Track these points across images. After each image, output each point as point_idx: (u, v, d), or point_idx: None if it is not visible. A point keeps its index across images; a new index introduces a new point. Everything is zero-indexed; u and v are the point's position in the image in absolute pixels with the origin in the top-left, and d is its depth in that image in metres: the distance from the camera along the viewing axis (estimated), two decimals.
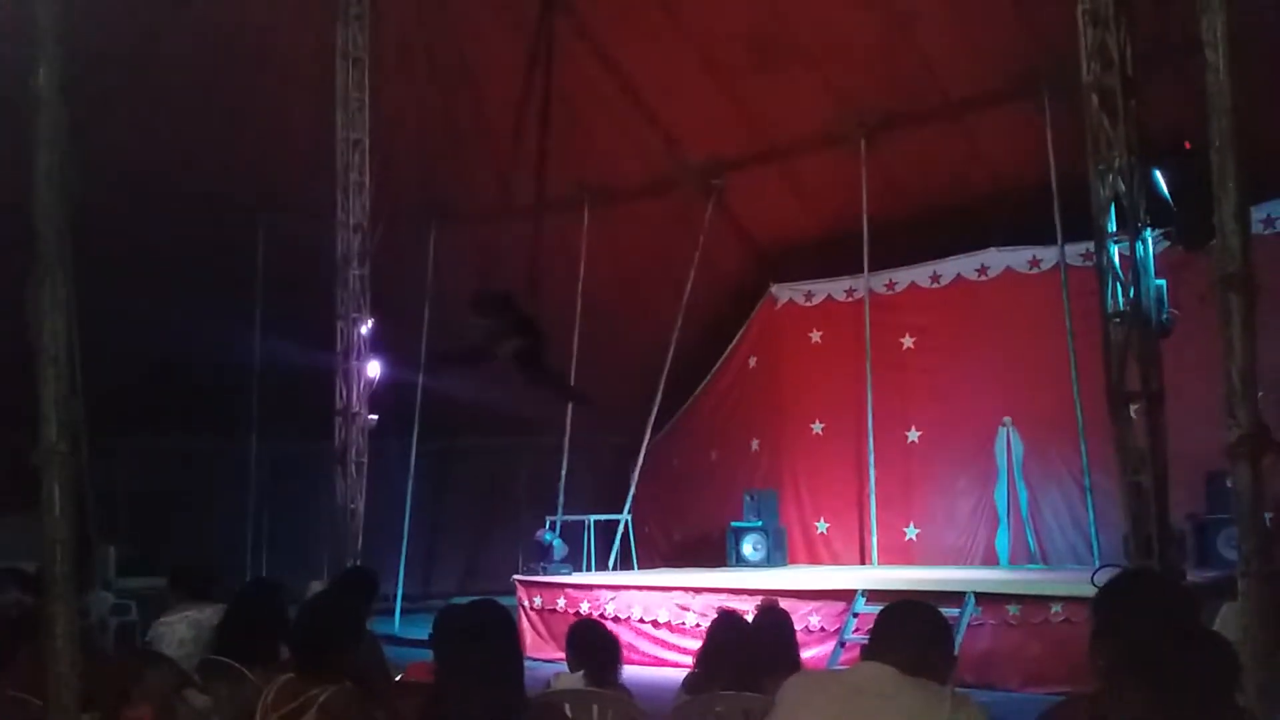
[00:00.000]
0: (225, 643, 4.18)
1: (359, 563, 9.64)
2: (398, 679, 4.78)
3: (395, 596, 13.08)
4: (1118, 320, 7.26)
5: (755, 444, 13.91)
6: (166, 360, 13.07)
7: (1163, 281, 7.52)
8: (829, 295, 13.65)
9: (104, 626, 9.52)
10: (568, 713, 3.82)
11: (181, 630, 5.13)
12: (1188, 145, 7.32)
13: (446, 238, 13.92)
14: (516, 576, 11.51)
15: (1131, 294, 7.22)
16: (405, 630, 11.66)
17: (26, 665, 3.85)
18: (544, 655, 9.44)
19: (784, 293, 13.99)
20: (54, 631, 2.75)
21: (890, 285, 13.13)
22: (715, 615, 4.61)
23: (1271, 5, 9.52)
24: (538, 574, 11.49)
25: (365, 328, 10.03)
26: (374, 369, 10.24)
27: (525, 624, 10.75)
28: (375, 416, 10.13)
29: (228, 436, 13.82)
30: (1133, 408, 7.20)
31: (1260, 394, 4.55)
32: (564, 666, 4.71)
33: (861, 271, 12.87)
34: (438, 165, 13.21)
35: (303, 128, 12.00)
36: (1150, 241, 7.48)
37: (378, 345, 10.95)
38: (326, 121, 11.16)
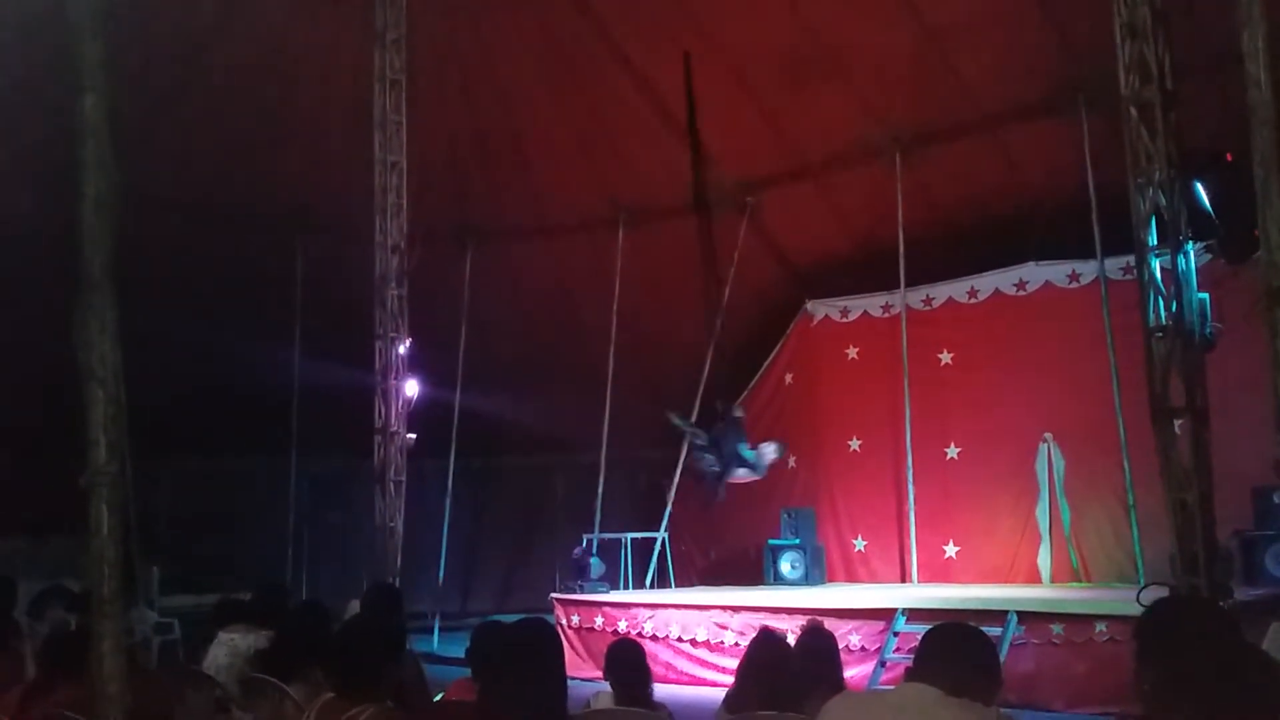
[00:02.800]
0: (270, 662, 4.22)
1: (398, 581, 9.68)
2: (438, 698, 4.79)
3: (433, 615, 13.12)
4: (1160, 334, 7.19)
5: (792, 461, 13.83)
6: (207, 382, 13.25)
7: (1205, 295, 7.43)
8: (865, 311, 13.58)
9: (147, 644, 9.64)
10: None
11: (223, 653, 5.18)
12: (1229, 157, 7.25)
13: (482, 257, 14.02)
14: (554, 595, 11.50)
15: (1174, 307, 7.14)
16: (443, 648, 11.68)
17: (73, 684, 3.91)
18: (582, 674, 9.40)
19: (820, 309, 13.93)
20: (101, 650, 2.78)
21: (927, 301, 13.04)
22: (755, 634, 4.58)
23: None
24: (575, 592, 11.48)
25: (403, 347, 10.11)
26: (412, 388, 10.32)
27: (564, 642, 10.73)
28: (413, 435, 10.19)
29: (268, 456, 13.96)
30: (1176, 423, 7.11)
31: None
32: (602, 685, 4.70)
33: (898, 287, 12.79)
34: (472, 185, 13.35)
35: (340, 150, 12.18)
36: (1192, 254, 7.40)
37: (415, 365, 11.03)
38: (363, 143, 11.31)
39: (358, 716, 3.24)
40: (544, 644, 2.91)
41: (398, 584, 9.12)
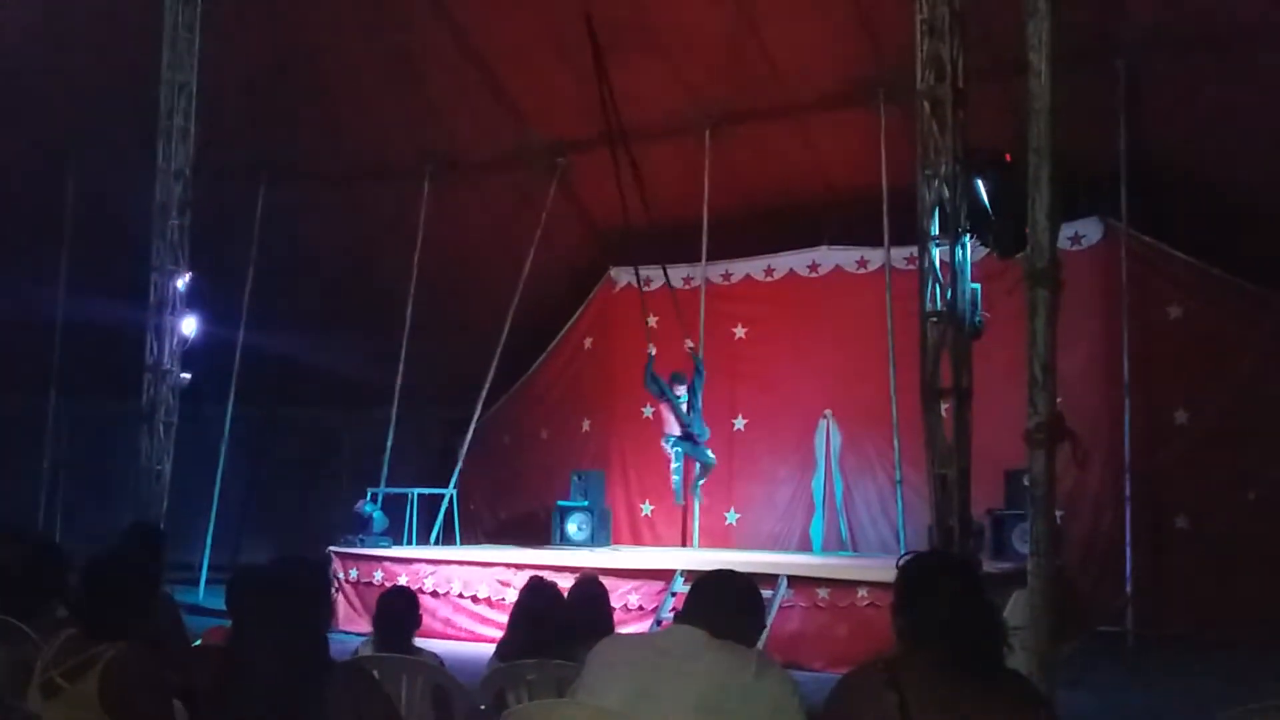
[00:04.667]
0: (1, 599, 3.91)
1: (163, 527, 9.16)
2: (196, 644, 4.56)
3: (201, 565, 12.54)
4: (935, 319, 7.59)
5: (586, 424, 13.95)
6: None
7: (978, 286, 7.91)
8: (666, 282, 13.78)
9: None
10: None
11: None
12: (1008, 158, 7.72)
13: (276, 195, 13.35)
14: (332, 548, 11.19)
15: (949, 295, 7.56)
16: (209, 601, 11.18)
17: None
18: (357, 629, 9.21)
19: (623, 276, 14.05)
20: None
21: (726, 276, 13.38)
22: (526, 583, 4.58)
23: (1095, 34, 10.17)
24: (355, 546, 11.20)
25: (182, 282, 9.50)
26: (189, 326, 9.72)
27: (340, 597, 10.48)
28: (188, 375, 9.62)
29: (24, 395, 12.94)
30: (943, 405, 7.55)
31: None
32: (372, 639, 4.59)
33: (699, 260, 13.07)
34: (271, 120, 12.65)
35: (122, 67, 11.27)
36: (968, 247, 7.86)
37: (197, 303, 10.40)
38: (150, 63, 10.51)
39: (102, 654, 3.03)
40: (302, 583, 2.77)
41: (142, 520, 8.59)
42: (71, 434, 13.36)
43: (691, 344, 11.82)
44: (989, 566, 8.86)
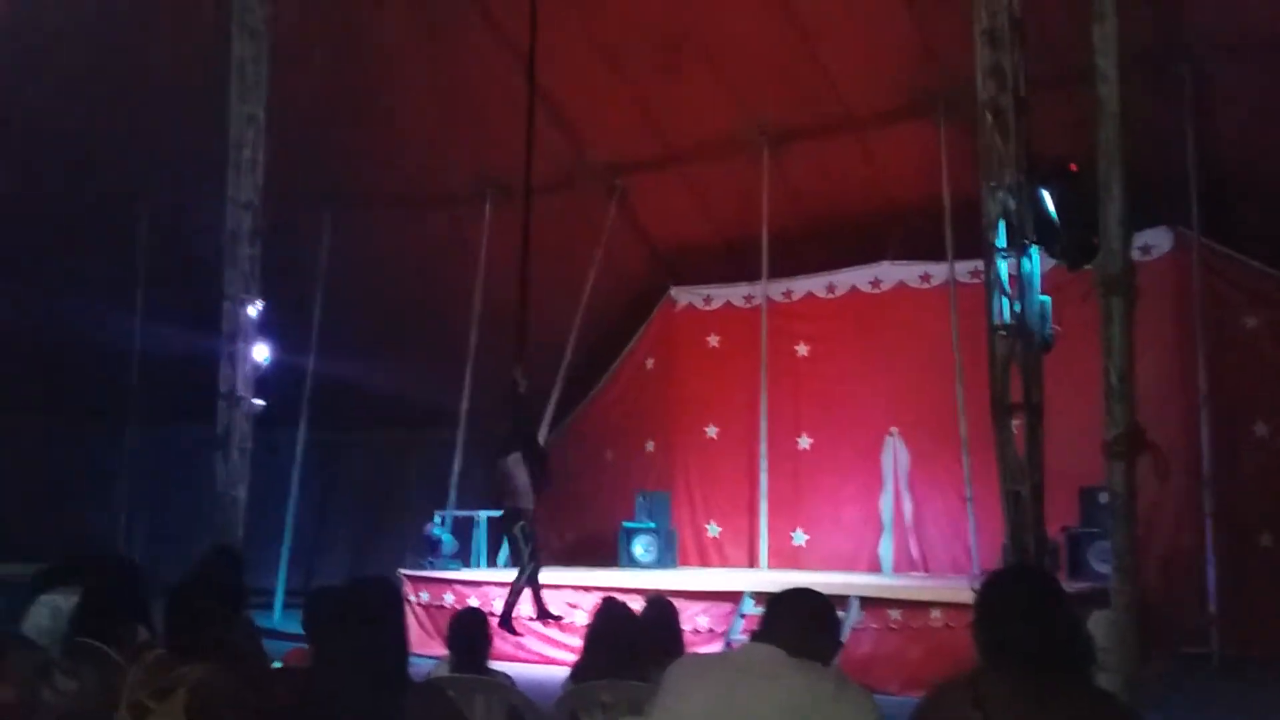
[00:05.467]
0: (85, 624, 4.00)
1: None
2: (276, 665, 4.63)
3: (276, 589, 12.72)
4: (1003, 333, 7.48)
5: (650, 445, 13.95)
6: (38, 345, 12.53)
7: (1047, 298, 7.78)
8: (728, 301, 13.81)
9: None
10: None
11: (45, 615, 4.89)
12: (1074, 167, 7.61)
13: (342, 222, 13.61)
14: (403, 570, 11.30)
15: (1017, 308, 7.45)
16: (285, 624, 11.34)
17: None
18: (429, 651, 9.27)
19: (683, 296, 14.08)
20: None
21: (787, 294, 13.33)
22: (599, 605, 4.59)
23: (1158, 40, 9.99)
24: (425, 569, 11.30)
25: (254, 310, 9.69)
26: (261, 353, 9.91)
27: (411, 619, 10.57)
28: (261, 402, 9.80)
29: (104, 421, 13.29)
30: (1014, 420, 7.42)
31: None
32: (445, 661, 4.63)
33: (760, 278, 13.04)
34: (336, 150, 12.91)
35: (194, 104, 11.58)
36: (1036, 258, 7.74)
37: (268, 331, 10.60)
38: (220, 98, 10.78)
39: (188, 675, 3.09)
40: (379, 601, 2.80)
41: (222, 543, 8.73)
42: (149, 461, 13.67)
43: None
44: (1065, 586, 8.66)
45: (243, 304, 9.49)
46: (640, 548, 12.32)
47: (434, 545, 11.67)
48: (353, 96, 12.64)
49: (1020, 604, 2.49)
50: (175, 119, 11.71)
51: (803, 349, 13.19)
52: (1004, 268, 7.62)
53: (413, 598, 10.87)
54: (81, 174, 12.18)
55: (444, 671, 4.40)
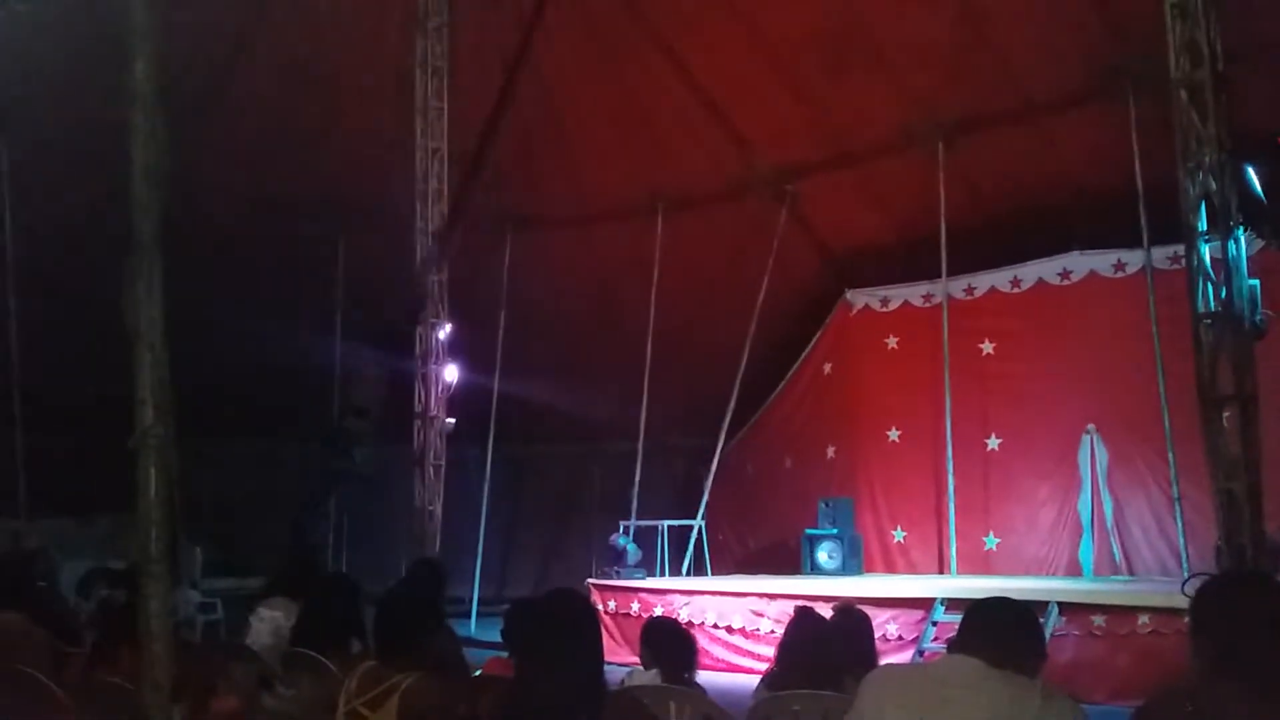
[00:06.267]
0: (304, 635, 4.26)
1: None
2: (476, 673, 4.81)
3: (471, 599, 13.20)
4: (1209, 321, 7.06)
5: (831, 451, 13.76)
6: (248, 366, 13.41)
7: (1256, 282, 7.29)
8: (906, 301, 13.48)
9: (191, 624, 9.77)
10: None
11: (267, 626, 5.23)
12: None
13: (522, 244, 14.07)
14: (590, 580, 11.54)
15: (1223, 294, 7.01)
16: (480, 632, 11.75)
17: (125, 655, 3.97)
18: (618, 659, 9.43)
19: (859, 298, 13.84)
20: (148, 612, 2.82)
21: (969, 290, 12.90)
22: (793, 614, 4.56)
23: None
24: (611, 578, 11.51)
25: (444, 332, 10.15)
26: (451, 373, 10.37)
27: (597, 612, 10.78)
28: (453, 420, 10.25)
29: (309, 441, 14.10)
30: (1224, 412, 6.98)
31: None
32: (638, 668, 4.69)
33: (939, 276, 12.68)
34: (513, 173, 13.37)
35: (383, 139, 12.24)
36: (1243, 240, 7.26)
37: (455, 351, 11.08)
38: (406, 132, 11.36)
39: (400, 683, 3.26)
40: (576, 613, 2.88)
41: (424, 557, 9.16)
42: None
43: None
44: None
45: (434, 327, 9.94)
46: (824, 554, 12.17)
47: (619, 555, 11.87)
48: (527, 122, 13.04)
49: (1248, 611, 2.33)
50: (370, 154, 12.37)
51: (988, 346, 12.73)
52: (1207, 252, 7.19)
53: (600, 606, 11.07)
54: (289, 210, 13.00)
55: (639, 680, 4.47)
